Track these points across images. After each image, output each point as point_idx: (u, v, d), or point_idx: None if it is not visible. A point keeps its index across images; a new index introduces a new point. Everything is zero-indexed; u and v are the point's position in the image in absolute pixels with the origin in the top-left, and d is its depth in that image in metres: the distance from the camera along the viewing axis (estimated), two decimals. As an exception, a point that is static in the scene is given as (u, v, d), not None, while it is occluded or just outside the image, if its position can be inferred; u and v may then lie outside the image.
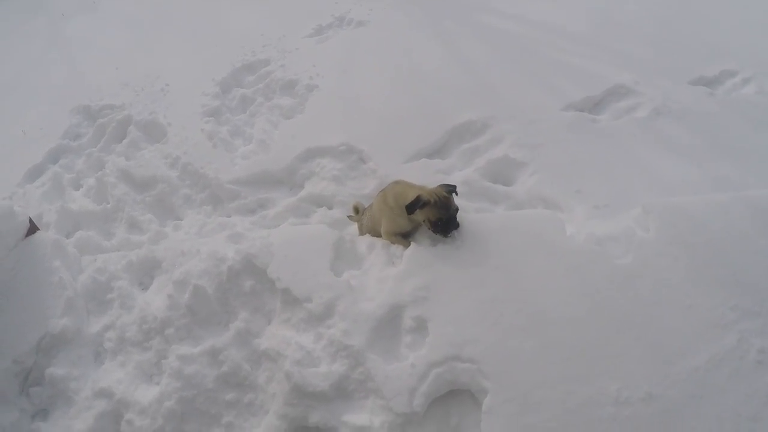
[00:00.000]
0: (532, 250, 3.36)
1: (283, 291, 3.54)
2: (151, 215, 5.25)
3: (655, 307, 3.03)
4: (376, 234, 3.89)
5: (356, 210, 4.46)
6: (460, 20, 6.80)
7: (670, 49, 5.81)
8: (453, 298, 3.23)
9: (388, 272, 3.50)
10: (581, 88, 5.38)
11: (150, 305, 3.82)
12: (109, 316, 3.92)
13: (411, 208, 3.39)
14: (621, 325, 2.99)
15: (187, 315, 3.63)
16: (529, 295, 3.16)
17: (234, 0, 8.85)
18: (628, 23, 6.34)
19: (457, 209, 3.49)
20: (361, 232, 4.21)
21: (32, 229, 4.28)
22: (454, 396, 3.04)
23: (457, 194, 3.56)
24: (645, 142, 4.64)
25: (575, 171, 4.42)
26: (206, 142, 5.73)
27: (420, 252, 3.47)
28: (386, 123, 5.32)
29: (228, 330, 3.52)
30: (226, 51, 7.23)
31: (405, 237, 3.70)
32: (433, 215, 3.44)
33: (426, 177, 4.47)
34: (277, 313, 3.52)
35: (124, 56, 8.02)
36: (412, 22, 7.05)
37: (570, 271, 3.24)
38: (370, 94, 5.75)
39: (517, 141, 4.74)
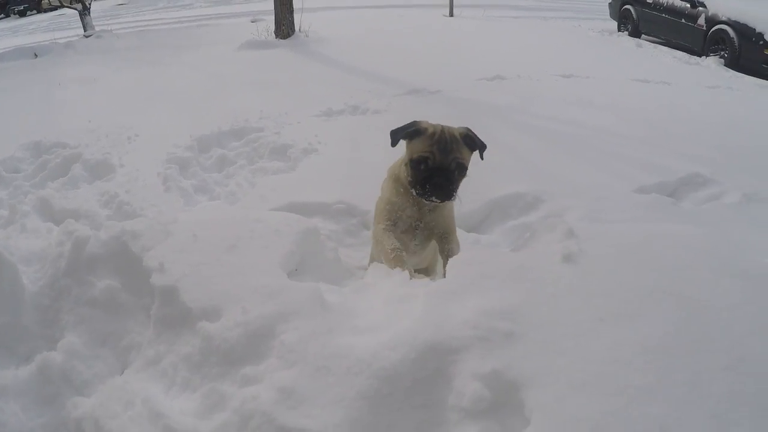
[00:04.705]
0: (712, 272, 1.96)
1: (164, 294, 1.91)
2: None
3: None
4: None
5: None
6: (494, 116, 5.87)
7: (740, 154, 4.96)
8: (577, 339, 1.62)
9: (410, 290, 1.92)
10: (652, 174, 4.38)
11: None
12: None
13: (396, 133, 2.36)
14: None
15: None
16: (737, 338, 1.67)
17: (241, 85, 8.05)
18: (689, 132, 5.53)
19: (457, 164, 2.23)
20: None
21: None
22: None
23: (482, 157, 2.38)
24: (741, 224, 3.51)
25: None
26: (158, 185, 4.42)
27: (489, 256, 2.00)
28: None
29: (27, 363, 1.89)
30: (216, 118, 6.16)
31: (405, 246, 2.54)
32: (416, 150, 2.26)
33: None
34: (144, 344, 1.88)
35: (102, 113, 6.96)
36: (438, 114, 6.09)
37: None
38: (384, 159, 4.53)
39: (586, 217, 3.46)
